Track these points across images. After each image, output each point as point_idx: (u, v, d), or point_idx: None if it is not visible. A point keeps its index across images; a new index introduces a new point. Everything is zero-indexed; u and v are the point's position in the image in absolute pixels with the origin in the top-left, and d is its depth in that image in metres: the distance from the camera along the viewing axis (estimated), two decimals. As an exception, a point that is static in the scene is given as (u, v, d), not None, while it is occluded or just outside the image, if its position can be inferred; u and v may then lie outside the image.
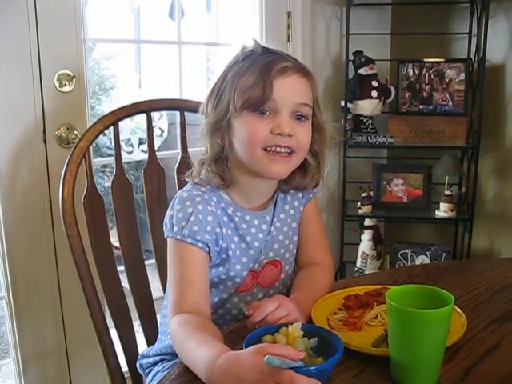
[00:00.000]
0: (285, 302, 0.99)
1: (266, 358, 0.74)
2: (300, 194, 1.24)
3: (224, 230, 1.11)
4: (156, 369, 1.22)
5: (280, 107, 1.04)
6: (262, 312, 0.96)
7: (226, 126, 1.08)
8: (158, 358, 1.23)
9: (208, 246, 1.08)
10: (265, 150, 1.05)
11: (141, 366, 1.28)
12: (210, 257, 1.10)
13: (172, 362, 1.18)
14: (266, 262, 1.18)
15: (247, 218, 1.15)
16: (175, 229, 1.07)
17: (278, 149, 1.05)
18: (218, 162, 1.11)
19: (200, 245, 1.06)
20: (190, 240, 1.06)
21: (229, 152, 1.10)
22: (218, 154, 1.11)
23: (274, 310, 0.96)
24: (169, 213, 1.10)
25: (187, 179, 1.16)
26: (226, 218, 1.12)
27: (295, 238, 1.24)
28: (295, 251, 1.24)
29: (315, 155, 1.16)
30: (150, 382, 1.21)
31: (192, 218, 1.06)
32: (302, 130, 1.08)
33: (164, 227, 1.10)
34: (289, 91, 1.05)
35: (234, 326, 1.07)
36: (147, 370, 1.26)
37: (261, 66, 1.05)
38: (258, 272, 1.18)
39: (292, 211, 1.22)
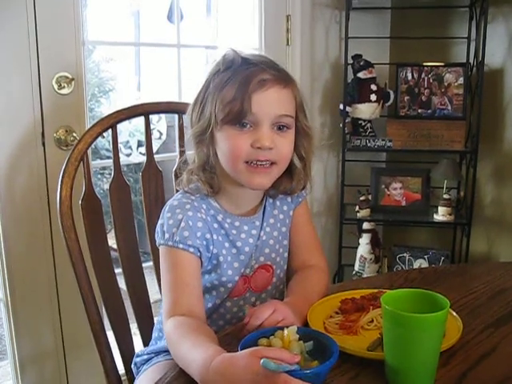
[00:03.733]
0: (280, 306, 1.00)
1: (262, 361, 0.74)
2: (289, 199, 1.24)
3: (214, 236, 1.12)
4: (149, 361, 1.26)
5: (260, 120, 1.05)
6: (258, 319, 0.96)
7: (209, 137, 1.09)
8: (152, 355, 1.26)
9: (199, 251, 1.09)
10: (246, 162, 1.07)
11: (135, 364, 1.30)
12: (202, 262, 1.11)
13: (167, 355, 1.19)
14: (257, 267, 1.19)
15: (237, 223, 1.16)
16: (166, 236, 1.08)
17: (259, 162, 1.06)
18: (206, 170, 1.12)
19: (191, 250, 1.08)
20: (181, 245, 1.07)
21: (214, 161, 1.12)
22: (205, 163, 1.12)
23: (269, 316, 0.96)
24: (159, 221, 1.11)
25: (177, 188, 1.18)
26: (216, 225, 1.13)
27: (285, 243, 1.25)
28: (286, 255, 1.25)
29: (301, 159, 1.17)
30: (144, 369, 1.25)
31: (182, 224, 1.07)
32: (283, 140, 1.08)
33: (156, 236, 1.12)
34: (268, 104, 1.05)
35: (231, 328, 1.07)
36: (140, 368, 1.28)
37: (240, 80, 1.05)
38: (250, 276, 1.19)
39: (281, 216, 1.23)
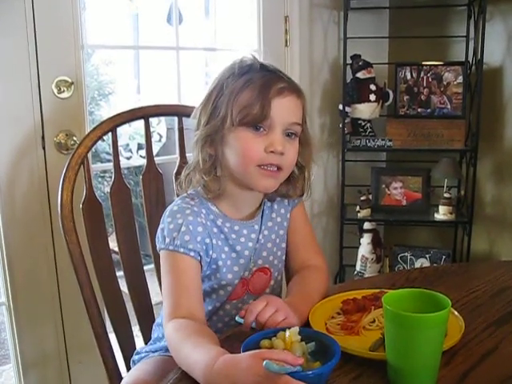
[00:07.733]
0: (272, 299, 1.00)
1: (265, 363, 0.74)
2: (286, 201, 1.26)
3: (214, 241, 1.13)
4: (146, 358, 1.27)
5: (275, 125, 1.08)
6: (252, 313, 0.97)
7: (219, 138, 1.10)
8: (151, 353, 1.28)
9: (200, 255, 1.10)
10: (258, 166, 1.08)
11: (133, 361, 1.32)
12: (201, 266, 1.12)
13: (166, 353, 1.21)
14: (255, 270, 1.20)
15: (236, 228, 1.17)
16: (167, 240, 1.09)
17: (270, 166, 1.09)
18: (209, 172, 1.13)
19: (192, 253, 1.08)
20: (182, 249, 1.08)
21: (221, 162, 1.13)
22: (210, 165, 1.13)
23: (263, 309, 0.97)
24: (160, 226, 1.12)
25: (178, 191, 1.18)
26: (215, 230, 1.14)
27: (283, 245, 1.26)
28: (284, 258, 1.26)
29: (301, 168, 1.20)
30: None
31: (183, 229, 1.08)
32: (291, 147, 1.12)
33: (156, 241, 1.13)
34: (284, 111, 1.09)
35: (233, 330, 1.07)
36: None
37: (260, 85, 1.07)
38: (248, 279, 1.20)
39: (279, 219, 1.24)
